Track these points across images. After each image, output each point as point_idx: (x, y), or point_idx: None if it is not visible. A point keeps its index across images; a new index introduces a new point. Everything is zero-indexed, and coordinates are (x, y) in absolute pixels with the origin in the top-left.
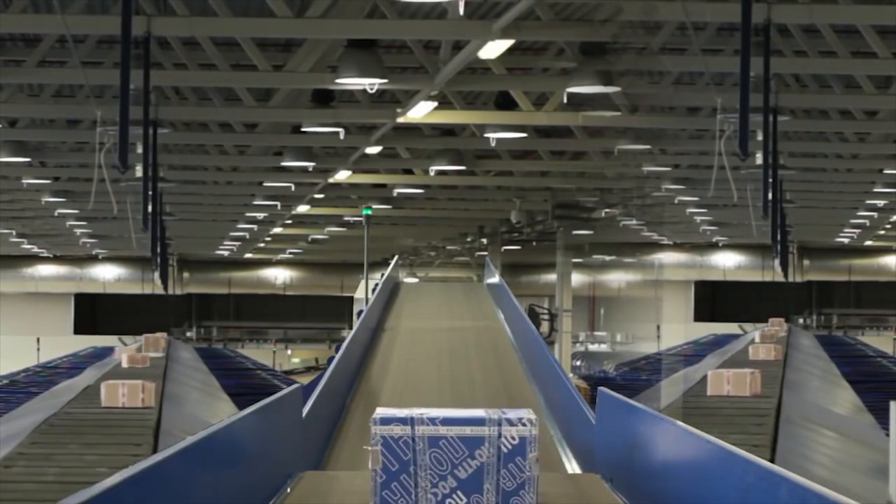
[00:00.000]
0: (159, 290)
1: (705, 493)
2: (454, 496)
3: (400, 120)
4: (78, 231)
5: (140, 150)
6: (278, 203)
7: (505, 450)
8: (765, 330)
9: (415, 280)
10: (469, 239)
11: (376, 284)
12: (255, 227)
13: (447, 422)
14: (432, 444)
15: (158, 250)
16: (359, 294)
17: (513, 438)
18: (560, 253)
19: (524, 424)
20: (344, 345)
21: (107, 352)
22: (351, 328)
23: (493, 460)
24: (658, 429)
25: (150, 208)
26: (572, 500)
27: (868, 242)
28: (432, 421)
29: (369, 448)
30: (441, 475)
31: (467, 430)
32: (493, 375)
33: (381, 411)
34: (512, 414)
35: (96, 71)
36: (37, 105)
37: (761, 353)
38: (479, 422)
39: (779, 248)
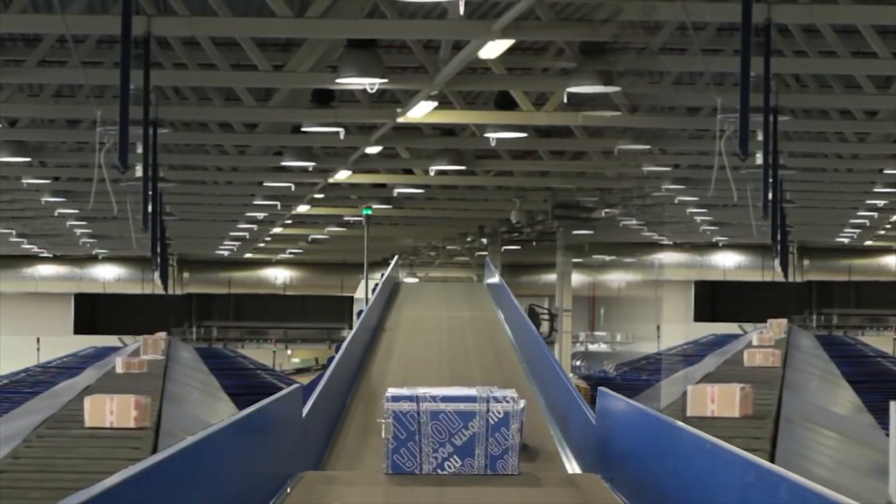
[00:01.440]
0: (159, 290)
1: (705, 493)
2: (451, 459)
3: (400, 120)
4: (78, 231)
5: (140, 150)
6: (278, 203)
7: (492, 422)
8: (762, 332)
9: (415, 280)
10: (469, 239)
11: (376, 284)
12: (255, 227)
13: (446, 399)
14: (433, 417)
15: (158, 250)
16: (359, 294)
17: (499, 413)
18: (560, 253)
19: (508, 401)
20: (344, 345)
21: (107, 352)
22: (351, 328)
23: (483, 430)
24: (658, 429)
25: (150, 208)
26: (572, 500)
27: (868, 242)
28: (433, 398)
29: (382, 421)
30: (441, 442)
31: (462, 406)
32: (493, 375)
33: (391, 391)
34: (498, 393)
35: (96, 71)
36: (37, 105)
37: (758, 358)
38: (471, 399)
39: (779, 248)
